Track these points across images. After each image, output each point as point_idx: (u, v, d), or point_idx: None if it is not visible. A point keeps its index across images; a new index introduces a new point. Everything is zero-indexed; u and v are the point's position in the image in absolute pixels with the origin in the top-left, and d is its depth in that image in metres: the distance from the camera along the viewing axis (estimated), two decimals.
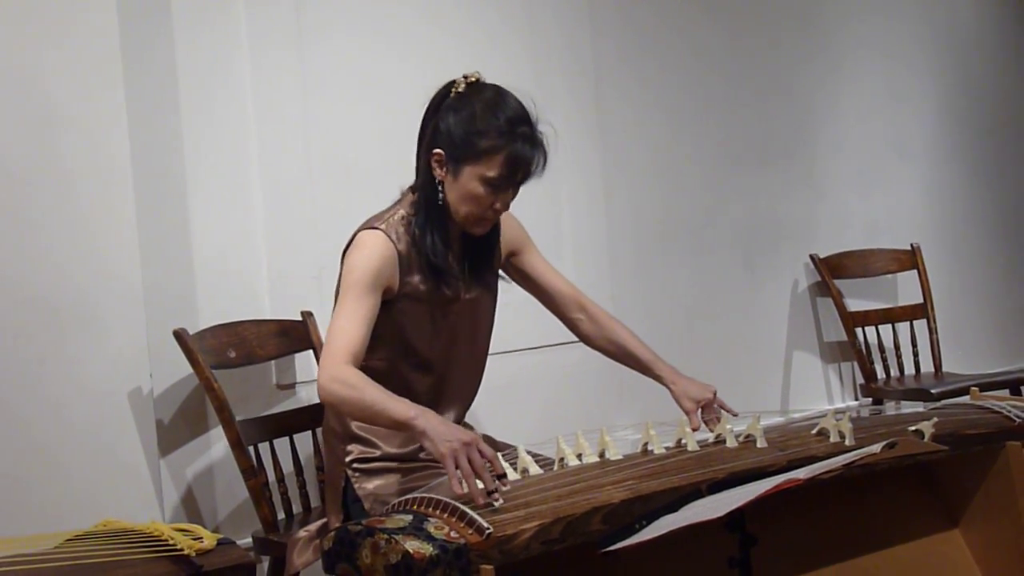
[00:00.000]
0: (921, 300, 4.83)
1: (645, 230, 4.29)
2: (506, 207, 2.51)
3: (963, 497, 2.60)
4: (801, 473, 2.00)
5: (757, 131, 4.65)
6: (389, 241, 2.48)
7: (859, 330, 4.69)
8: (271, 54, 3.34)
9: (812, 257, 4.74)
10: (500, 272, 2.75)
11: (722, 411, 2.64)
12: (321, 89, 3.43)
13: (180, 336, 2.93)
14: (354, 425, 2.58)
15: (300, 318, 3.28)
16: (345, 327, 2.36)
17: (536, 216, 3.85)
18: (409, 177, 3.63)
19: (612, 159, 4.16)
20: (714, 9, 4.54)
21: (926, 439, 2.36)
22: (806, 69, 4.85)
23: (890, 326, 4.78)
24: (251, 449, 2.98)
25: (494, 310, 2.73)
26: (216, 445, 3.19)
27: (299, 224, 3.38)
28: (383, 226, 2.51)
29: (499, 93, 2.48)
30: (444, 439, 2.09)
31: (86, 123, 2.80)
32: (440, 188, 2.50)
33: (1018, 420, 2.57)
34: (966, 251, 5.46)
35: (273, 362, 3.31)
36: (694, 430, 2.48)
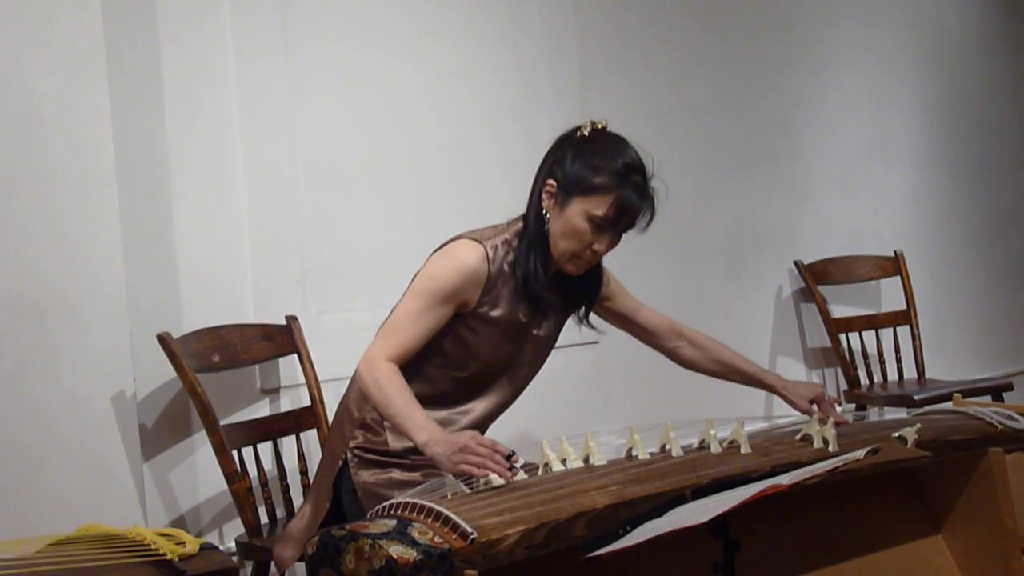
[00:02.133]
0: (904, 306, 4.84)
1: (628, 236, 4.27)
2: (605, 251, 2.55)
3: (946, 503, 2.60)
4: (785, 479, 2.01)
5: (741, 137, 4.66)
6: (485, 261, 2.51)
7: (843, 336, 4.71)
8: (257, 57, 3.33)
9: (796, 263, 4.75)
10: (587, 317, 2.75)
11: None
12: (306, 93, 3.43)
13: (164, 340, 2.92)
14: (370, 417, 2.59)
15: (284, 322, 3.27)
16: (406, 327, 2.46)
17: None
18: (392, 181, 3.65)
19: None
20: (699, 14, 4.55)
21: (909, 445, 2.36)
22: (790, 75, 4.86)
23: (873, 332, 4.79)
24: (235, 453, 2.98)
25: (550, 352, 2.75)
26: (200, 449, 3.18)
27: (284, 228, 3.37)
28: (486, 243, 2.53)
29: (622, 141, 2.55)
30: (446, 456, 2.20)
31: (70, 126, 2.79)
32: (546, 219, 2.52)
33: (1000, 426, 2.59)
34: (949, 258, 5.49)
35: (257, 366, 3.30)
36: (822, 422, 2.49)
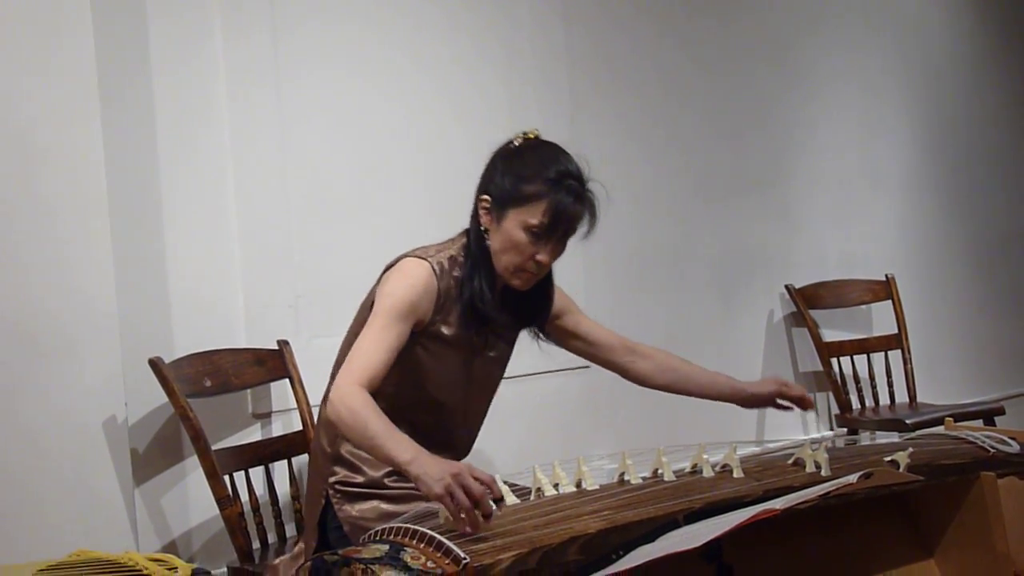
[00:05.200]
0: (896, 331, 4.85)
1: (621, 261, 4.30)
2: (549, 261, 2.51)
3: (938, 527, 2.60)
4: (778, 503, 2.01)
5: (732, 163, 4.68)
6: (433, 275, 2.49)
7: (834, 360, 4.71)
8: (248, 86, 3.34)
9: (787, 288, 4.76)
10: (541, 332, 2.73)
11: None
12: (298, 121, 3.44)
13: (156, 364, 2.92)
14: (343, 448, 2.57)
15: (276, 347, 3.27)
16: (368, 350, 2.36)
17: None
18: (382, 208, 3.65)
19: None
20: (690, 42, 4.57)
21: (901, 469, 2.37)
22: (781, 102, 4.88)
23: (865, 356, 4.80)
24: (226, 478, 2.97)
25: (502, 375, 2.74)
26: (191, 474, 3.17)
27: (275, 254, 3.37)
28: (431, 260, 2.51)
29: (554, 148, 2.52)
30: (435, 480, 2.03)
31: (63, 154, 2.79)
32: (486, 235, 2.51)
33: (992, 451, 2.59)
34: (940, 282, 5.50)
35: (249, 391, 3.30)
36: (799, 405, 2.51)
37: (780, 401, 2.82)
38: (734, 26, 4.72)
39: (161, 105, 3.19)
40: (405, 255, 2.54)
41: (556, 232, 2.46)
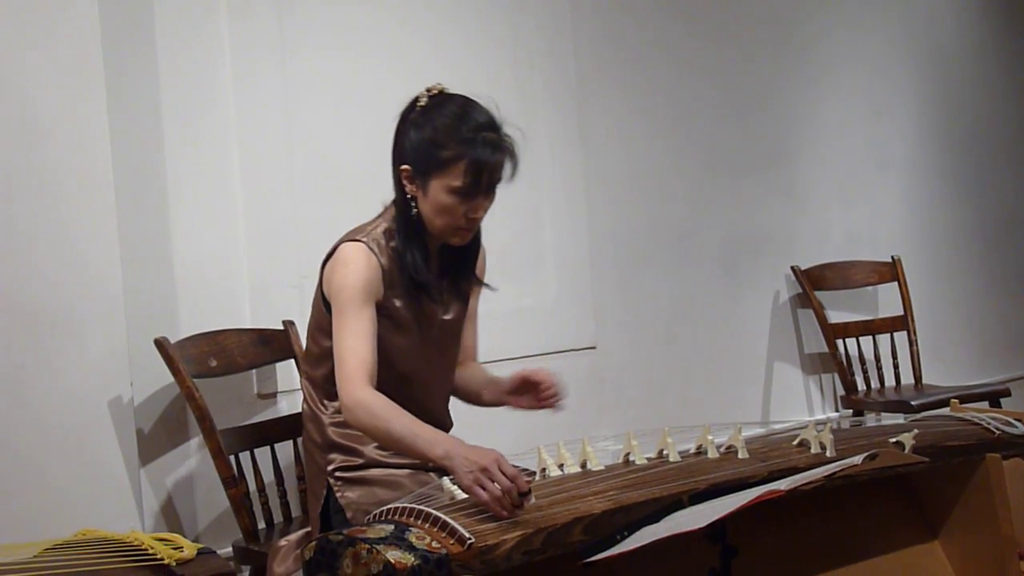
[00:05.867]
0: (901, 312, 4.84)
1: (627, 242, 4.29)
2: (481, 215, 2.51)
3: (943, 508, 2.61)
4: (782, 484, 2.01)
5: (738, 144, 4.67)
6: (372, 254, 2.49)
7: (840, 342, 4.71)
8: (253, 63, 3.33)
9: (793, 269, 4.75)
10: (481, 282, 2.75)
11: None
12: (303, 99, 3.43)
13: (161, 345, 2.92)
14: (334, 434, 2.58)
15: (281, 327, 3.27)
16: (354, 346, 2.38)
17: (518, 228, 3.86)
18: (387, 187, 3.64)
19: (594, 171, 4.17)
20: (696, 22, 4.55)
21: (907, 451, 2.37)
22: (787, 82, 4.87)
23: (871, 338, 4.79)
24: (232, 458, 2.97)
25: (463, 324, 2.74)
26: (197, 454, 3.18)
27: (280, 233, 3.37)
28: (365, 239, 2.51)
29: (460, 104, 2.49)
30: (466, 471, 2.05)
31: (68, 132, 2.79)
32: (413, 203, 2.51)
33: (997, 432, 2.59)
34: (946, 263, 5.49)
35: (254, 371, 3.30)
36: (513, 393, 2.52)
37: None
38: (741, 6, 4.71)
39: (166, 83, 3.18)
40: (340, 241, 2.54)
41: (481, 187, 2.45)
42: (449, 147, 2.42)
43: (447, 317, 2.64)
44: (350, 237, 2.53)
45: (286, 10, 3.40)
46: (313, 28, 3.46)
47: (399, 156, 2.53)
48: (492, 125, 2.47)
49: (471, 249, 2.65)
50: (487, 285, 2.75)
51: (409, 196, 2.51)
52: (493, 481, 2.00)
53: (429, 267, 2.56)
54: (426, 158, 2.45)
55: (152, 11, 3.16)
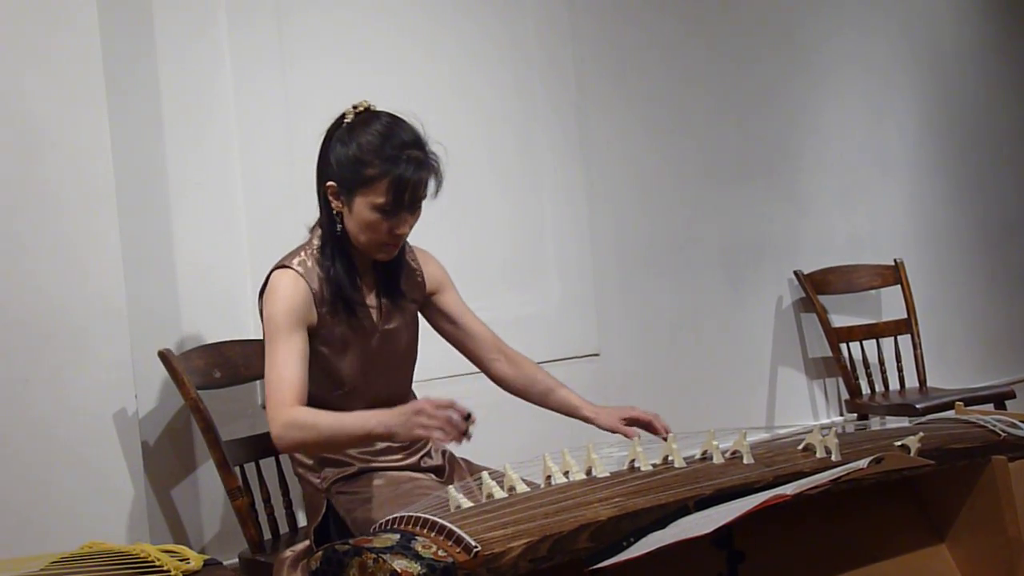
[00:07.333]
0: (905, 315, 4.84)
1: (629, 248, 4.29)
2: (406, 231, 2.54)
3: (949, 512, 2.60)
4: (788, 489, 2.00)
5: (740, 148, 4.67)
6: (300, 279, 2.51)
7: (844, 346, 4.71)
8: (254, 73, 3.34)
9: (796, 273, 4.75)
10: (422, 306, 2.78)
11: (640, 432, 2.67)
12: (304, 108, 3.43)
13: (165, 357, 2.92)
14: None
15: None
16: (282, 373, 2.41)
17: (520, 236, 3.87)
18: None
19: (595, 177, 4.17)
20: (696, 27, 4.56)
21: (912, 454, 2.36)
22: (788, 86, 4.87)
23: (874, 341, 4.79)
24: (237, 470, 2.97)
25: (416, 339, 2.76)
26: (202, 466, 3.18)
27: (283, 244, 3.34)
28: (294, 263, 2.53)
29: (385, 122, 2.52)
30: (402, 425, 2.22)
31: (69, 144, 2.79)
32: (339, 219, 2.53)
33: (1003, 434, 2.58)
34: (949, 266, 5.49)
35: (258, 382, 3.29)
36: (628, 436, 2.54)
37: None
38: (741, 10, 4.71)
39: (167, 94, 3.19)
40: (271, 270, 2.56)
41: (404, 204, 2.48)
42: (373, 165, 2.45)
43: (389, 327, 2.66)
44: (279, 264, 2.56)
45: (286, 19, 3.40)
46: (313, 37, 3.47)
47: (324, 173, 2.55)
48: (416, 143, 2.50)
49: (397, 263, 2.67)
50: (415, 302, 2.75)
51: (335, 212, 2.53)
52: (432, 418, 2.17)
53: (359, 282, 2.58)
54: (351, 175, 2.47)
55: (152, 23, 3.16)
